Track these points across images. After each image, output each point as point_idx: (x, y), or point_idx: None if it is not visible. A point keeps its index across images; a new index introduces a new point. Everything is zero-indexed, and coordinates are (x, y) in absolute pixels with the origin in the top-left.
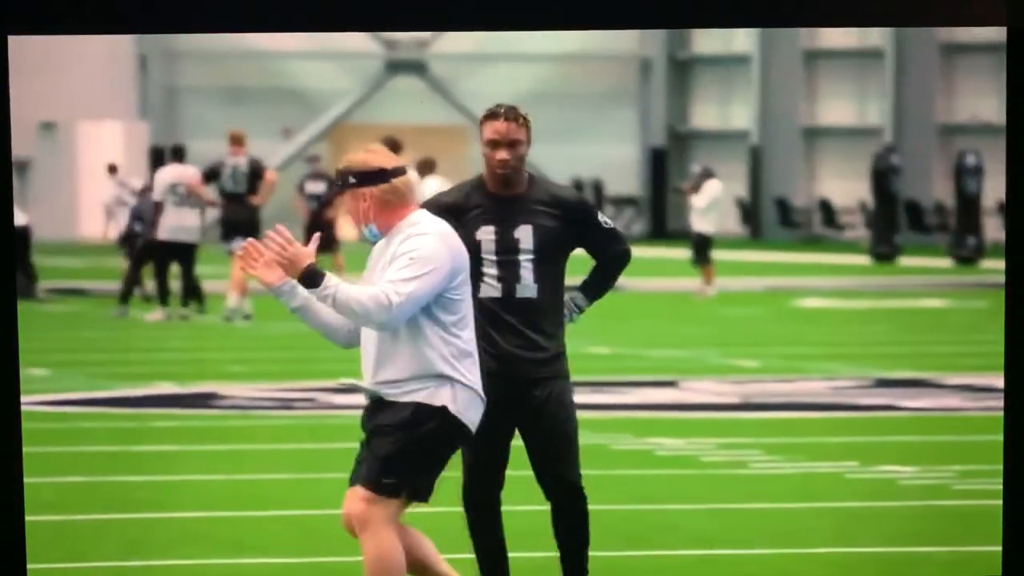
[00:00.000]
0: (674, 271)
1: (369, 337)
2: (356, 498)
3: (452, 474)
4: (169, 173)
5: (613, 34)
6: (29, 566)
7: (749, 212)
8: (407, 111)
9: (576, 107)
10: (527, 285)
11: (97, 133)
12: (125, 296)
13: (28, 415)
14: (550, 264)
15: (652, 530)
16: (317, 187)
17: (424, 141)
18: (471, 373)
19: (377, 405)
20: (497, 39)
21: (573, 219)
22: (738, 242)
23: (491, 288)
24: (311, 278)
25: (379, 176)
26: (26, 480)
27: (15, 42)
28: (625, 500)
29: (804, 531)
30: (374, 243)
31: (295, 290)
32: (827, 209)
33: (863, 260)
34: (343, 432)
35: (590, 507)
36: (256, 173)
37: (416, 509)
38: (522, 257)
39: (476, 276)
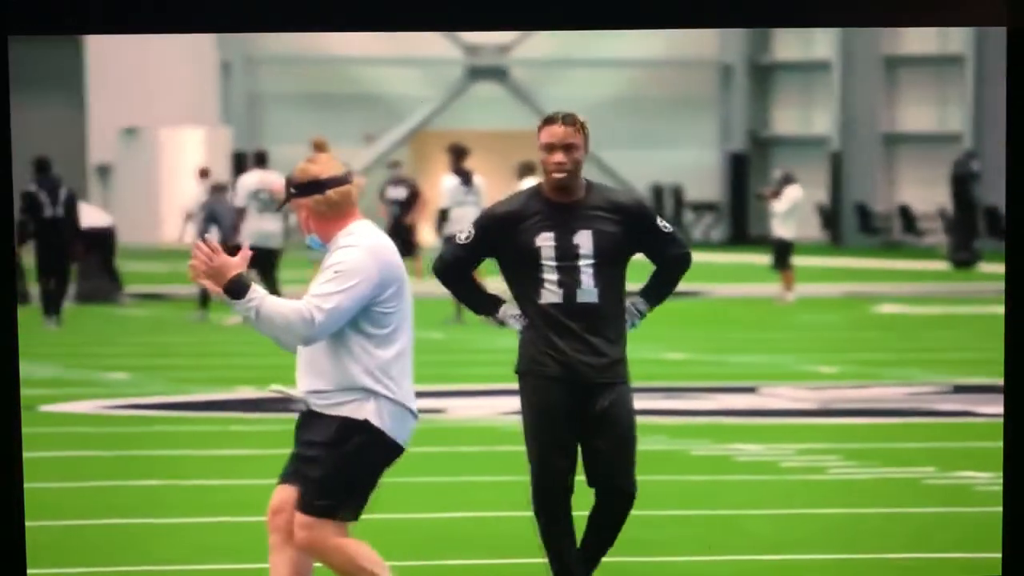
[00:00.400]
0: (754, 277)
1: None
2: (298, 525)
3: (516, 479)
4: (252, 179)
5: (694, 39)
6: (132, 567)
7: (829, 218)
8: (488, 117)
9: (657, 112)
10: (588, 290)
11: (180, 139)
12: (204, 300)
13: (109, 419)
14: (610, 269)
15: (730, 535)
16: (398, 192)
17: (505, 147)
18: (399, 387)
19: (309, 414)
20: (578, 44)
21: (632, 224)
22: (818, 248)
23: (552, 294)
24: (236, 290)
25: (313, 187)
26: (106, 483)
27: (96, 47)
28: (704, 506)
29: (880, 536)
30: (320, 252)
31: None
32: (906, 215)
33: (942, 266)
34: (423, 436)
35: (669, 512)
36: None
37: (479, 513)
38: (582, 263)
39: (536, 282)
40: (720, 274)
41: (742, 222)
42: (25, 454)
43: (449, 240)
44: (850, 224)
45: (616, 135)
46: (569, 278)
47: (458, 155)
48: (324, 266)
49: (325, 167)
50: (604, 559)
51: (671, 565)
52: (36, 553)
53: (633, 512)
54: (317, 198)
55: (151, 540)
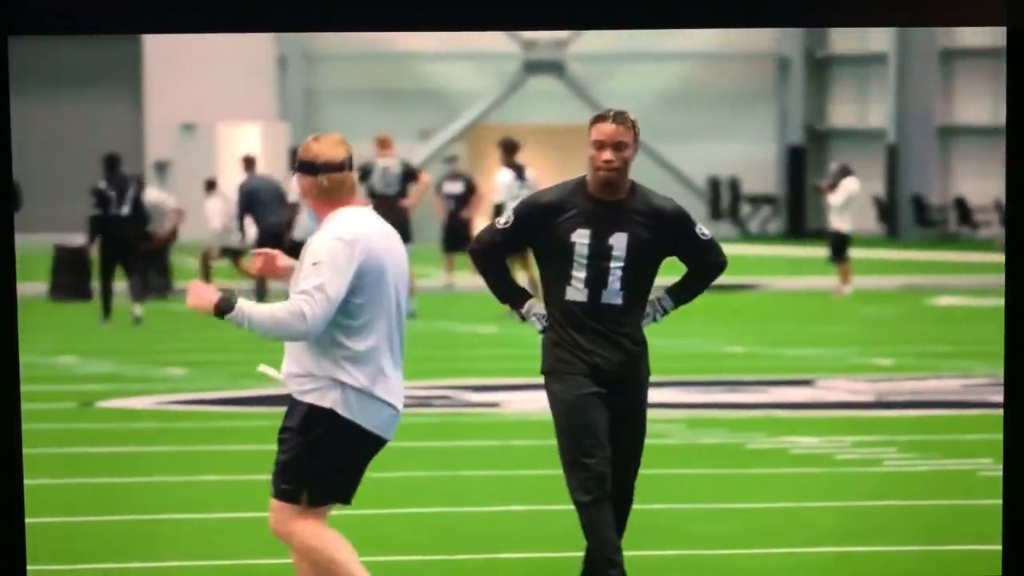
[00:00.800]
0: (811, 270)
1: None
2: (271, 509)
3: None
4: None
5: (751, 33)
6: (198, 562)
7: (886, 210)
8: (544, 111)
9: (714, 106)
10: (613, 292)
11: (237, 135)
12: (260, 295)
13: (167, 414)
14: (639, 273)
15: (787, 527)
16: (455, 187)
17: (561, 141)
18: (372, 379)
19: (290, 398)
20: (634, 39)
21: (670, 231)
22: (875, 240)
23: (577, 292)
24: (223, 308)
25: (307, 167)
26: (164, 478)
27: (154, 44)
28: (760, 498)
29: (937, 528)
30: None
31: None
32: (963, 207)
33: (998, 258)
34: (478, 430)
35: (727, 505)
36: (410, 175)
37: (533, 507)
38: (613, 264)
39: (564, 278)
40: (777, 267)
41: (799, 215)
42: (82, 450)
43: (489, 224)
44: (906, 216)
45: (673, 128)
46: (597, 278)
47: (510, 150)
48: (304, 251)
49: (324, 150)
50: (666, 552)
51: (729, 558)
52: (100, 549)
53: (690, 506)
54: (310, 179)
55: (213, 534)
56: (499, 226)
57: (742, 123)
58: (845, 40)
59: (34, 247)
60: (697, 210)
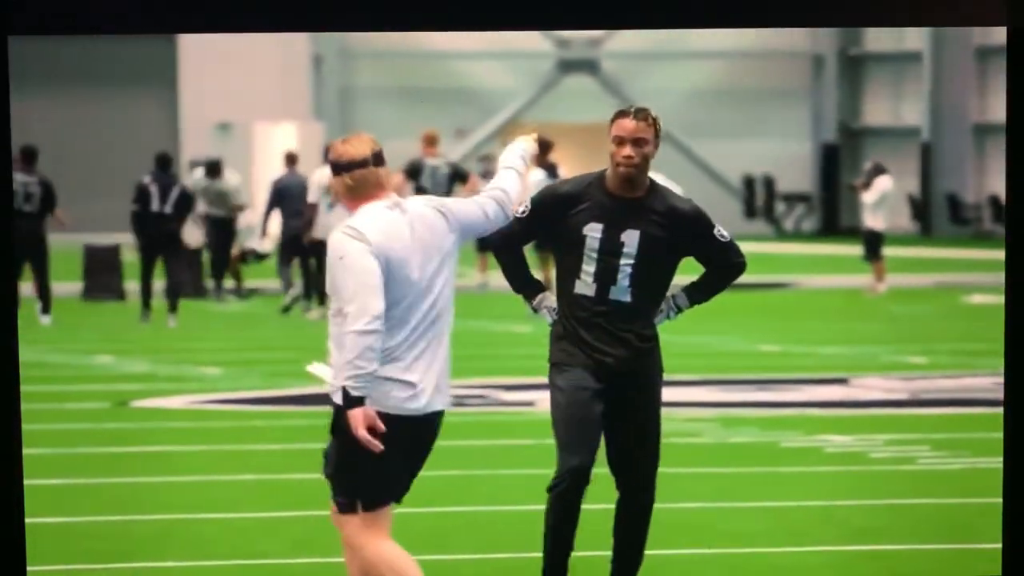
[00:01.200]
0: (846, 267)
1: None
2: (338, 526)
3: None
4: (324, 173)
5: (785, 31)
6: (232, 561)
7: (920, 208)
8: (578, 110)
9: (748, 104)
10: (622, 288)
11: (273, 133)
12: (308, 295)
13: (201, 414)
14: (650, 271)
15: (819, 526)
16: None
17: (596, 139)
18: (408, 369)
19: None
20: (669, 37)
21: (686, 231)
22: (909, 238)
23: (585, 285)
24: (348, 402)
25: (335, 168)
26: (198, 478)
27: (189, 43)
28: (793, 497)
29: (971, 527)
30: None
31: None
32: (997, 205)
33: None
34: (514, 429)
35: (760, 504)
36: (459, 176)
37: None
38: (623, 261)
39: (575, 271)
40: (812, 265)
41: (833, 213)
42: (116, 449)
43: None
44: (941, 214)
45: (707, 126)
46: (606, 273)
47: (543, 149)
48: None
49: (348, 149)
50: (699, 551)
51: (762, 556)
52: (134, 548)
53: (723, 504)
54: (338, 179)
55: (247, 533)
56: (516, 215)
57: (776, 121)
58: (879, 38)
59: (67, 247)
60: (732, 208)
